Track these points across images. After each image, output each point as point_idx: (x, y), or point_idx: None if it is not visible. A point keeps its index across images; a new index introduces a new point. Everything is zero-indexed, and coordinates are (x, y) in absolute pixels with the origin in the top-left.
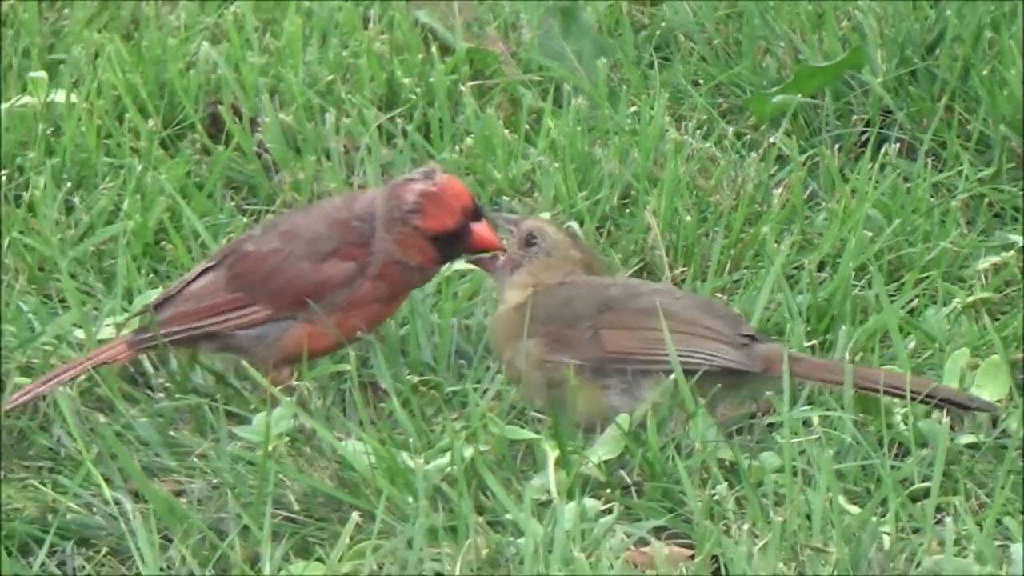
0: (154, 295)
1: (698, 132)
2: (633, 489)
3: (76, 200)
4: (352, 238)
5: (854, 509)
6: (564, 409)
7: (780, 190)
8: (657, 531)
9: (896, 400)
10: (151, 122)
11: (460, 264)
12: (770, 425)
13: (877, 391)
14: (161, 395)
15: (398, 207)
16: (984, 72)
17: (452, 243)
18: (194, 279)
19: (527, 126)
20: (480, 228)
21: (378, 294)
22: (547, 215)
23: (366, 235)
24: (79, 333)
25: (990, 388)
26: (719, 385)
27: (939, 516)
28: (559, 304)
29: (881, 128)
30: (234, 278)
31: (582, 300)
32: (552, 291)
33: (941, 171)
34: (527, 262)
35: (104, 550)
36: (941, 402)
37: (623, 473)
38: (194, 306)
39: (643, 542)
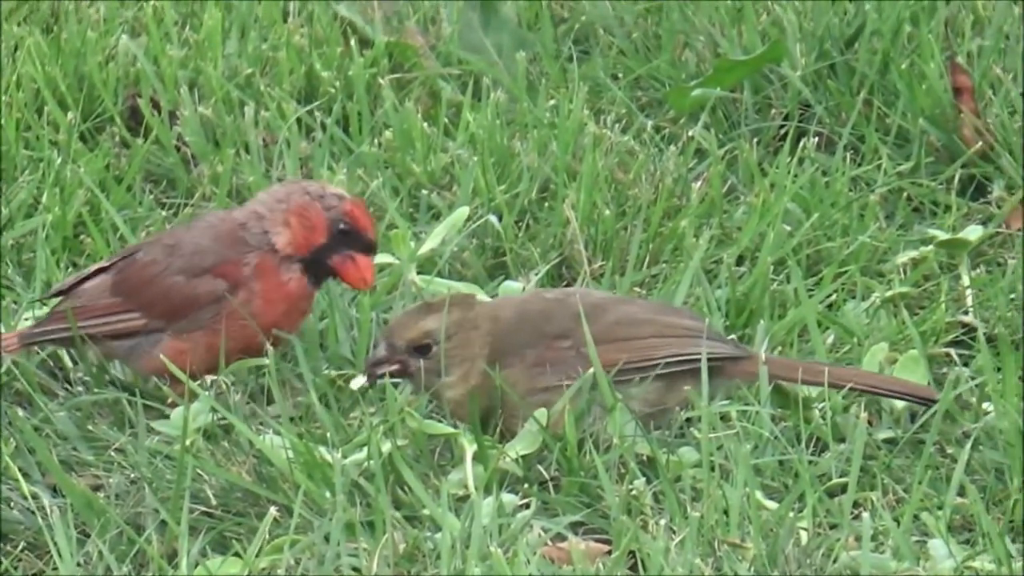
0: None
1: (617, 125)
2: (551, 484)
3: None
4: (230, 254)
5: (771, 504)
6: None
7: (699, 184)
8: (574, 526)
9: (813, 394)
10: (70, 115)
11: (382, 259)
12: (688, 420)
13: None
14: (80, 389)
15: (315, 188)
16: (903, 66)
17: (344, 246)
18: (88, 277)
19: (446, 119)
20: (367, 260)
21: (253, 315)
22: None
23: (247, 243)
24: None
25: None
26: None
27: (856, 511)
28: (538, 320)
29: (800, 122)
30: (117, 283)
31: (558, 315)
32: (515, 314)
33: (860, 165)
34: (448, 360)
35: (21, 545)
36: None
37: (541, 468)
38: (80, 304)
39: (560, 537)
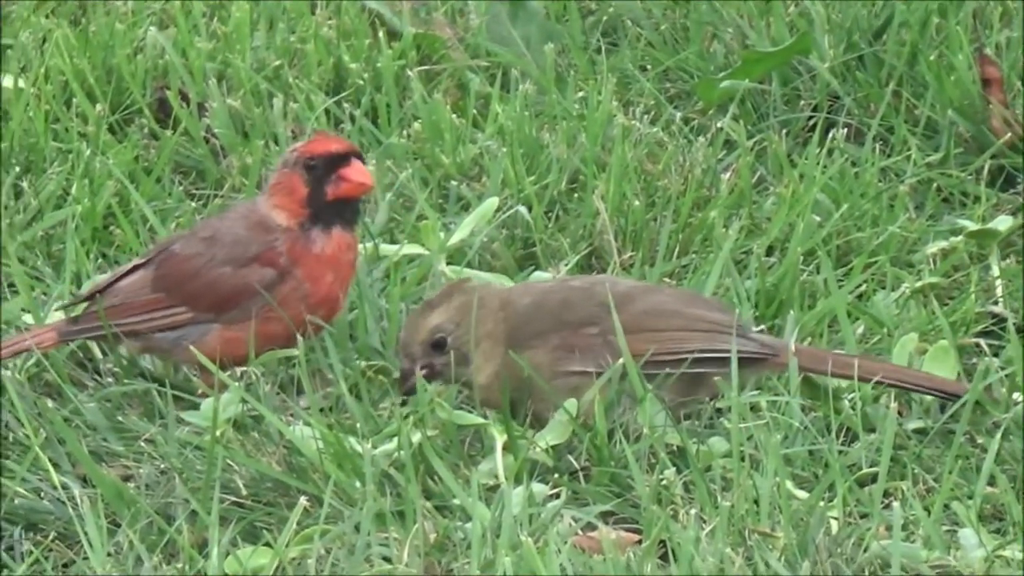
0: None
1: (646, 117)
2: (581, 474)
3: (24, 185)
4: (268, 241)
5: (802, 494)
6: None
7: (728, 175)
8: (605, 516)
9: (843, 385)
10: (99, 107)
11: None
12: (718, 410)
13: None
14: (109, 380)
15: (287, 155)
16: (931, 57)
17: (325, 175)
18: (125, 274)
19: (475, 111)
20: (354, 166)
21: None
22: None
23: (272, 230)
24: (28, 318)
25: (939, 373)
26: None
27: (887, 501)
28: (559, 308)
29: (829, 113)
30: (159, 278)
31: (581, 302)
32: (537, 299)
33: (889, 156)
34: (466, 348)
35: (52, 535)
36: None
37: (571, 458)
38: (119, 302)
39: (591, 527)
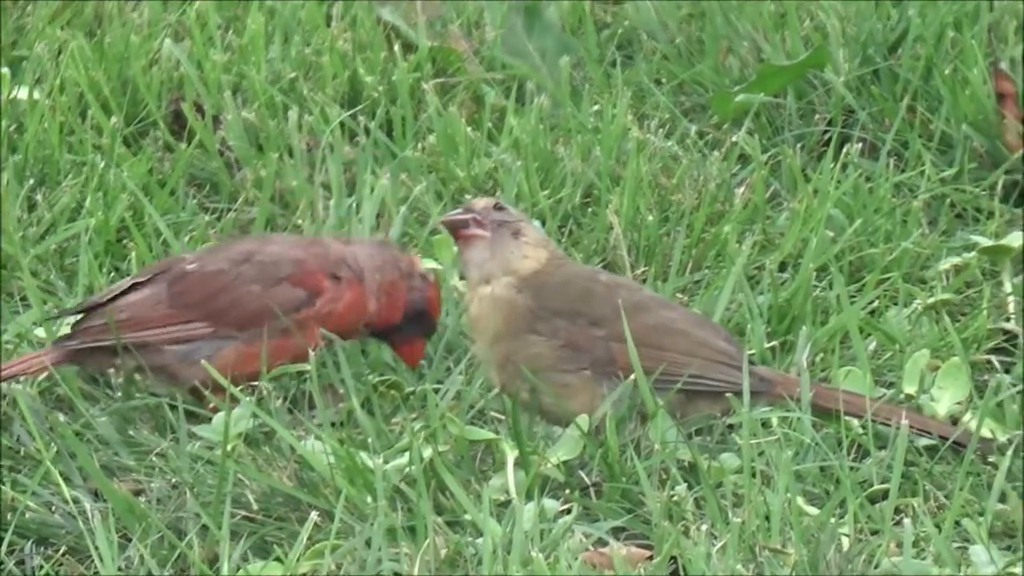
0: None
1: (660, 131)
2: (592, 490)
3: (38, 197)
4: (313, 265)
5: (813, 510)
6: (551, 407)
7: (742, 189)
8: (616, 532)
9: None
10: (114, 119)
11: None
12: (729, 426)
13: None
14: (120, 394)
15: (405, 263)
16: (946, 72)
17: (412, 322)
18: (124, 292)
19: (490, 124)
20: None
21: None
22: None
23: (343, 265)
24: (40, 331)
25: (951, 390)
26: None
27: (898, 517)
28: (577, 297)
29: (843, 127)
30: (177, 295)
31: (600, 301)
32: (567, 276)
33: (903, 171)
34: (524, 226)
35: (63, 549)
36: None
37: (582, 474)
38: (127, 316)
39: (602, 543)
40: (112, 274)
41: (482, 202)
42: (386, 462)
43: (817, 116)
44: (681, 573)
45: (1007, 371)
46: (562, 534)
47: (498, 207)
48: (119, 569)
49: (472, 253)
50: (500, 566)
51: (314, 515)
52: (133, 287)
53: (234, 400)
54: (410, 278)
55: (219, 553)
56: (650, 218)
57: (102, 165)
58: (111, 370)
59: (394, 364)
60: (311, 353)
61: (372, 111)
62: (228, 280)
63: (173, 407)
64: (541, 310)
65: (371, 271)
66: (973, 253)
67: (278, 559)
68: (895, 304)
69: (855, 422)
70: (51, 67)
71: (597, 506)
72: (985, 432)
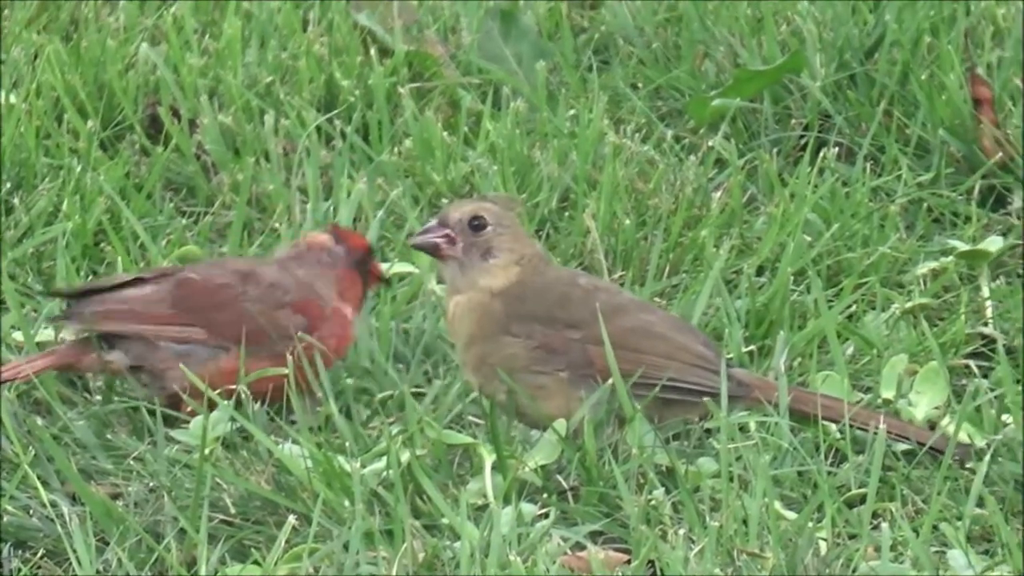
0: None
1: (637, 135)
2: (570, 494)
3: (15, 201)
4: (310, 294)
5: (790, 515)
6: (527, 408)
7: (719, 194)
8: (593, 536)
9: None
10: (90, 123)
11: (402, 268)
12: (707, 431)
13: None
14: (98, 398)
15: (325, 249)
16: (923, 77)
17: (365, 271)
18: (126, 284)
19: (466, 128)
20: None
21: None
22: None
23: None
24: (18, 335)
25: (928, 394)
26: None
27: (875, 522)
28: (554, 302)
29: (820, 132)
30: (180, 299)
31: (577, 305)
32: (546, 282)
33: (880, 175)
34: (497, 243)
35: (41, 552)
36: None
37: (560, 478)
38: (127, 308)
39: (580, 547)
40: (90, 277)
41: (458, 213)
42: (364, 466)
43: (793, 121)
44: None
45: (985, 376)
46: (540, 538)
47: (474, 223)
48: (97, 572)
49: (444, 269)
50: (478, 569)
51: (292, 519)
52: (136, 281)
53: (212, 405)
54: (334, 255)
55: (197, 556)
56: (627, 222)
57: (79, 169)
58: (99, 372)
59: (371, 368)
60: (288, 357)
61: (348, 115)
62: (233, 294)
63: (151, 411)
64: (515, 315)
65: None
66: (950, 258)
67: (256, 562)
68: (873, 309)
69: (833, 427)
70: (27, 71)
71: (575, 510)
72: (963, 437)
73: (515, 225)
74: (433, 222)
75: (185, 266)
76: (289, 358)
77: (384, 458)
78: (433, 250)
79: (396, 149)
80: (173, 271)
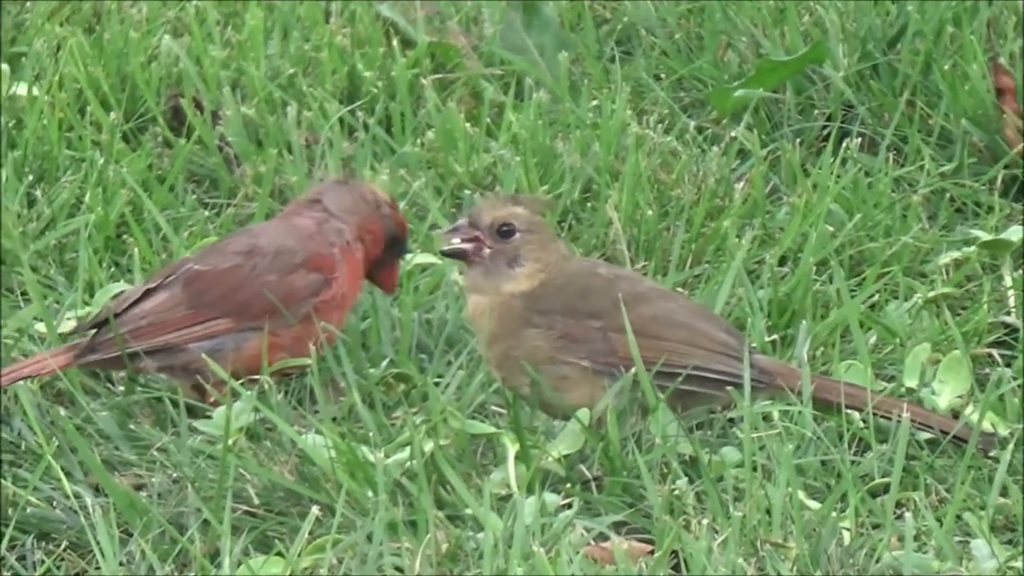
0: (115, 289)
1: (660, 126)
2: (593, 484)
3: (38, 193)
4: (318, 248)
5: (814, 504)
6: (551, 399)
7: (742, 184)
8: (617, 526)
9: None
10: (113, 115)
11: (425, 258)
12: (730, 420)
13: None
14: (121, 388)
15: (370, 195)
16: (946, 67)
17: (388, 249)
18: (139, 300)
19: (489, 120)
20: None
21: (339, 298)
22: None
23: (329, 240)
24: (40, 327)
25: (952, 383)
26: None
27: (899, 511)
28: (574, 294)
29: (843, 122)
30: (194, 295)
31: (598, 295)
32: (567, 277)
33: (902, 166)
34: (524, 251)
35: (64, 544)
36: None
37: (583, 468)
38: (147, 323)
39: (603, 537)
40: (112, 269)
41: (489, 216)
42: (387, 456)
43: (816, 111)
44: (682, 567)
45: (1008, 365)
46: (563, 528)
47: (503, 229)
48: (120, 564)
49: (468, 270)
50: (501, 560)
51: (315, 510)
52: (146, 294)
53: (235, 394)
54: (378, 207)
55: (220, 548)
56: (649, 213)
57: (101, 161)
58: (129, 371)
59: (395, 358)
60: (311, 347)
61: (371, 107)
62: (245, 274)
63: (175, 402)
64: (536, 309)
65: (346, 214)
66: (973, 247)
67: (279, 554)
68: (895, 298)
69: (856, 416)
70: (50, 63)
71: (598, 500)
72: (986, 426)
73: (543, 231)
74: (463, 221)
75: (184, 260)
76: (313, 349)
77: (407, 448)
78: (462, 257)
79: (419, 140)
80: (175, 270)
